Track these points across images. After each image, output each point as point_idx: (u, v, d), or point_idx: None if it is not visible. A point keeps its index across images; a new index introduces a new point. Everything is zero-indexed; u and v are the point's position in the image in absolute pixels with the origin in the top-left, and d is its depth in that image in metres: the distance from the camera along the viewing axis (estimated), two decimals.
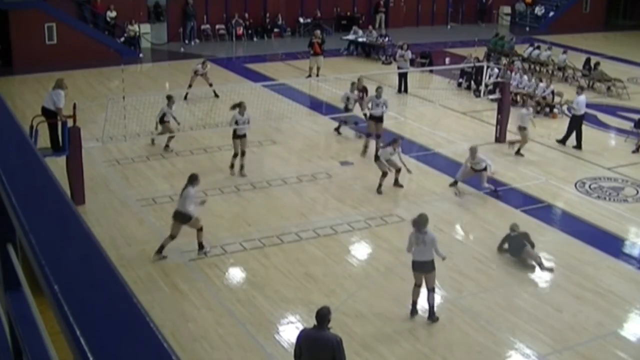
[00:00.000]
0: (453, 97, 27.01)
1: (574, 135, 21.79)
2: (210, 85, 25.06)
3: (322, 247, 15.25)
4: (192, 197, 14.29)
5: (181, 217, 14.34)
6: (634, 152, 21.52)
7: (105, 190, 18.05)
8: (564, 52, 31.23)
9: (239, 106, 18.61)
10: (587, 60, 29.98)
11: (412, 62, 28.90)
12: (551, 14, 43.47)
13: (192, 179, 14.35)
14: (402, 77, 27.72)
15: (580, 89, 22.67)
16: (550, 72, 29.86)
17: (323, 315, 9.65)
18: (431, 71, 30.27)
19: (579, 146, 21.69)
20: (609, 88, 28.26)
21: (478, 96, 25.24)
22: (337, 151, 21.20)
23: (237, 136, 18.72)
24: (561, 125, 24.12)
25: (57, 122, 16.49)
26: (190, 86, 24.97)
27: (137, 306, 1.84)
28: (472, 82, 27.63)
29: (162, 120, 20.26)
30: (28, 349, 2.45)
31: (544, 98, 25.18)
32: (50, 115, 16.52)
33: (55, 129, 16.55)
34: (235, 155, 18.81)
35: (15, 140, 3.19)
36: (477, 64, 27.09)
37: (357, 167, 19.90)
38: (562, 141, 21.99)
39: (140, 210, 17.03)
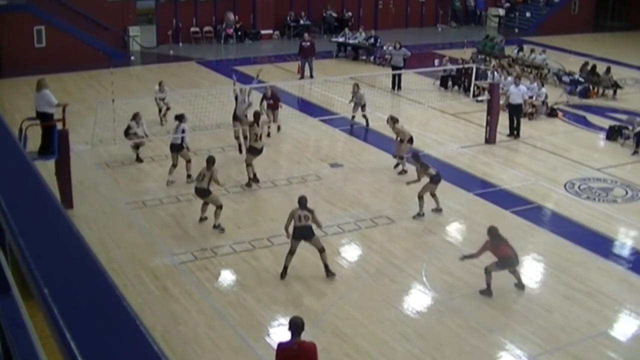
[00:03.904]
0: (442, 99, 27.06)
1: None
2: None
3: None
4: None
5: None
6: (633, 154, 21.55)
7: (94, 194, 18.02)
8: (543, 52, 31.42)
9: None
10: (585, 64, 29.73)
11: (405, 62, 29.06)
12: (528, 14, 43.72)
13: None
14: (396, 74, 27.99)
15: (518, 79, 23.97)
16: (544, 75, 29.76)
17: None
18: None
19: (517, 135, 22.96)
20: (614, 92, 28.29)
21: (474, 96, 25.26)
22: (326, 153, 21.20)
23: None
24: (550, 126, 24.27)
25: (54, 125, 16.33)
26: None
27: (127, 309, 1.84)
28: (462, 84, 27.69)
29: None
30: (18, 353, 2.45)
31: (544, 103, 25.22)
32: (46, 118, 16.31)
33: (51, 132, 16.34)
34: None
35: (5, 144, 3.19)
36: (466, 66, 27.12)
37: (347, 169, 19.92)
38: (511, 134, 22.99)
39: (130, 213, 17.00)
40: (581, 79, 28.62)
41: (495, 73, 26.42)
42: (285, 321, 12.52)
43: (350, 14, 40.71)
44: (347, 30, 36.51)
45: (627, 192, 18.72)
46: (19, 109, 22.44)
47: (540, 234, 16.42)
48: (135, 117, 20.24)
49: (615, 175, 19.82)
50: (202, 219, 16.34)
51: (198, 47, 36.50)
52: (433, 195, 16.82)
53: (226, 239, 15.58)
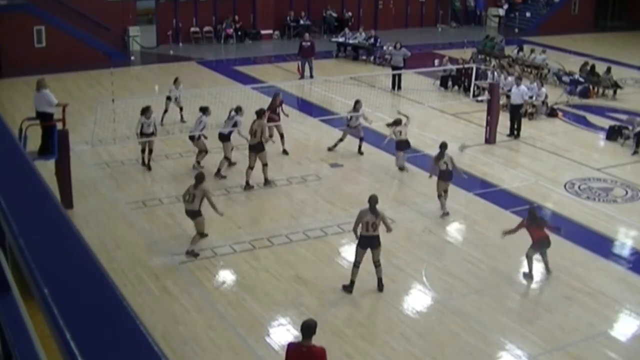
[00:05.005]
0: (442, 99, 27.06)
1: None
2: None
3: (312, 249, 15.25)
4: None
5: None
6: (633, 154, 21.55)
7: (94, 194, 18.01)
8: (543, 52, 31.42)
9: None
10: (585, 64, 29.72)
11: (405, 62, 29.09)
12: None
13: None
14: (396, 74, 28.02)
15: (519, 79, 23.94)
16: (544, 75, 29.73)
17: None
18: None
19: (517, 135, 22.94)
20: (614, 92, 28.28)
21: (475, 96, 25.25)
22: (326, 153, 21.18)
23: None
24: (550, 126, 24.29)
25: (55, 125, 16.32)
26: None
27: (127, 309, 1.84)
28: (462, 84, 27.69)
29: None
30: (18, 353, 2.45)
31: (544, 103, 25.22)
32: (46, 118, 16.29)
33: (51, 132, 16.33)
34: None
35: (5, 144, 3.19)
36: (466, 66, 27.13)
37: (347, 169, 19.92)
38: (511, 134, 22.95)
39: (130, 213, 16.99)
40: (581, 79, 28.61)
41: (495, 73, 26.42)
42: (285, 321, 12.59)
43: (350, 14, 40.70)
44: (347, 30, 36.50)
45: (627, 192, 18.72)
46: (19, 109, 22.42)
47: None
48: (145, 112, 19.15)
49: (615, 175, 19.82)
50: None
51: (198, 47, 36.48)
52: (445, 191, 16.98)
53: (226, 239, 15.57)
